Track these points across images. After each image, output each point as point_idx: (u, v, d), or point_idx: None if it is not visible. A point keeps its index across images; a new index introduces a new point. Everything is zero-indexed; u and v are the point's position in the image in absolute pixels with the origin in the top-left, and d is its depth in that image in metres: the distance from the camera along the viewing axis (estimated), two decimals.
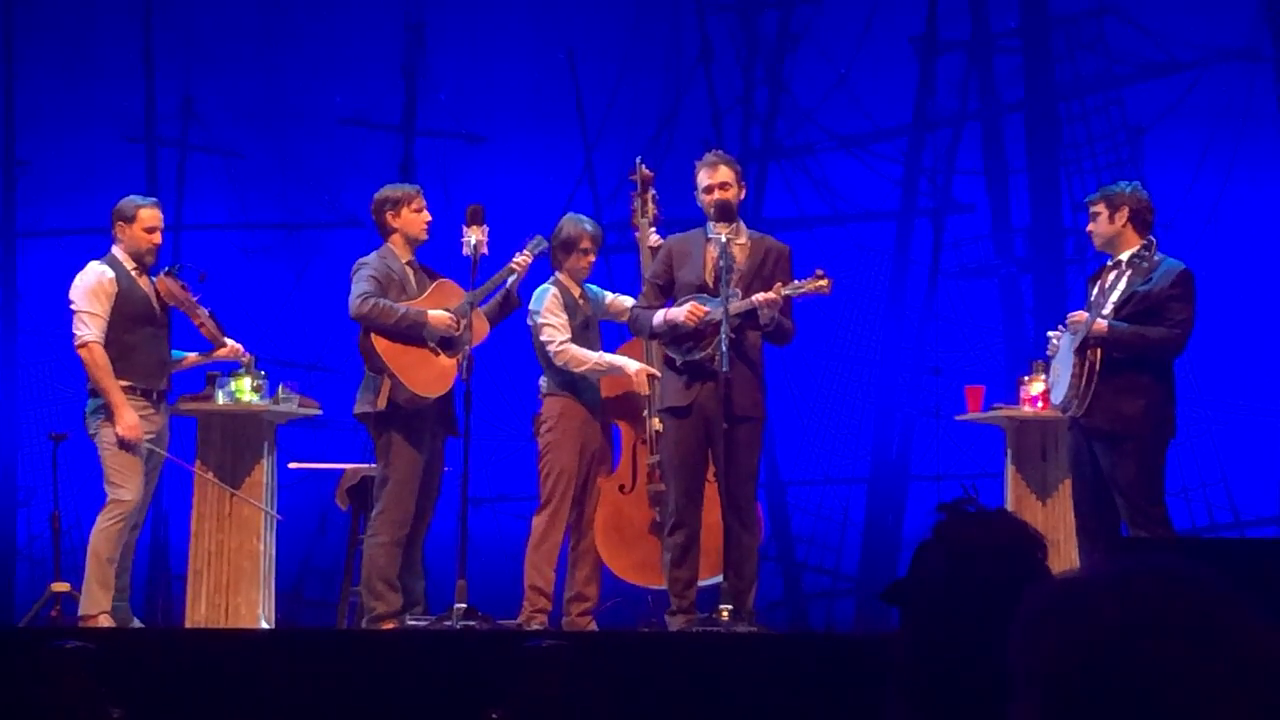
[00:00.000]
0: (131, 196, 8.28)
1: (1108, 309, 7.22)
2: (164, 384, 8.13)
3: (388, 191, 8.13)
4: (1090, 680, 1.60)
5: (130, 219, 8.10)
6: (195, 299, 8.20)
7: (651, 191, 8.36)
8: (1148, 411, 7.21)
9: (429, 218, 8.05)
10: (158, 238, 8.15)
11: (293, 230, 11.20)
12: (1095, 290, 7.39)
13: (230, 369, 8.39)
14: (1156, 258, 7.29)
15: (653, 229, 8.28)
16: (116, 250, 8.12)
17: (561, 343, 8.08)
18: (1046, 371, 7.84)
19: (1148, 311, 7.19)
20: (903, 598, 2.16)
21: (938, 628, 2.13)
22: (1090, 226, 7.42)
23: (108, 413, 7.89)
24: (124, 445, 7.86)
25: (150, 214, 8.13)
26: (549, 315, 8.10)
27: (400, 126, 11.32)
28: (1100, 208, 7.36)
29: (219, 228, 11.15)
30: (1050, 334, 7.50)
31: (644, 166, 8.39)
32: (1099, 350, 7.17)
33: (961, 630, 2.10)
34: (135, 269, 8.10)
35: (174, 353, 8.25)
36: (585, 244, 8.18)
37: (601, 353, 8.12)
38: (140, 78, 11.21)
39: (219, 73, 11.16)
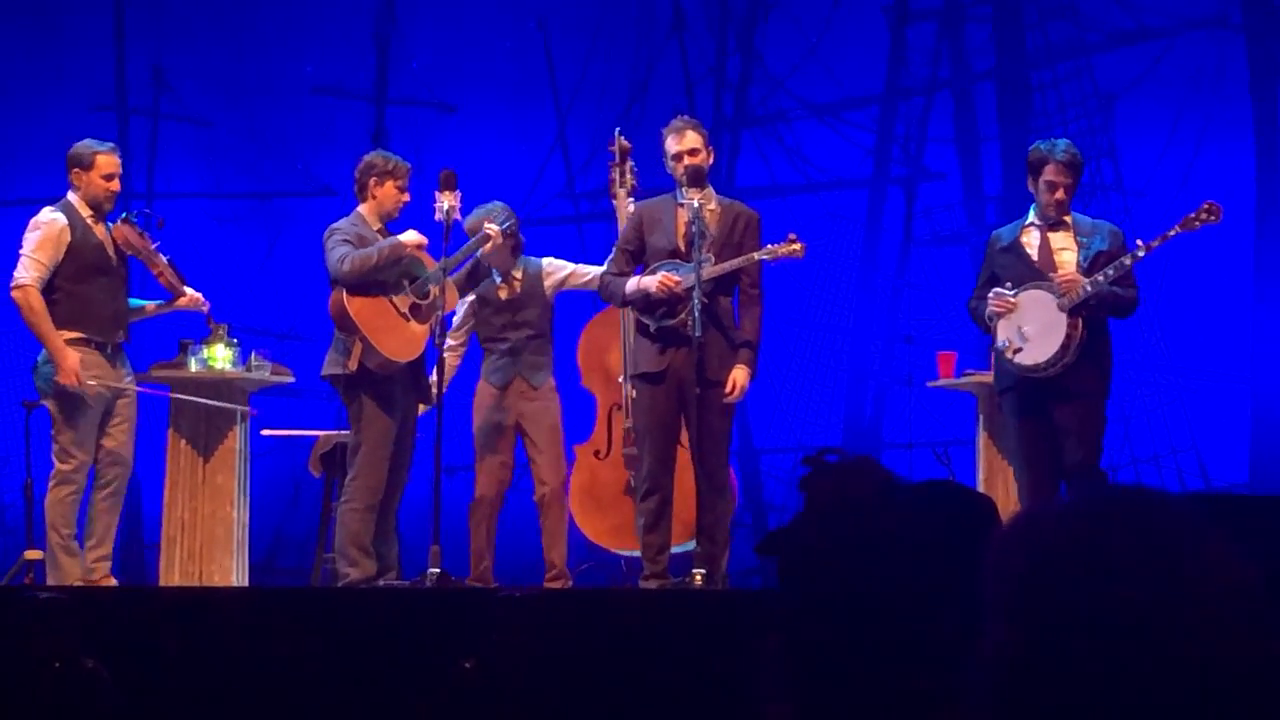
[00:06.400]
0: (88, 140, 7.94)
1: (1074, 270, 7.23)
2: (120, 335, 7.85)
3: (380, 158, 8.02)
4: (1061, 606, 1.61)
5: (88, 165, 7.78)
6: (154, 246, 7.92)
7: (630, 162, 8.36)
8: (1112, 370, 7.34)
9: (408, 199, 7.95)
10: (116, 185, 7.82)
11: (265, 199, 11.17)
12: (1036, 252, 7.32)
13: (201, 333, 8.26)
14: (1084, 218, 7.44)
15: (630, 199, 8.27)
16: (72, 196, 7.80)
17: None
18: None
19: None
20: (776, 549, 2.16)
21: (809, 581, 2.13)
22: (1060, 196, 7.34)
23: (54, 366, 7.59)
24: (67, 391, 7.59)
25: (108, 160, 7.81)
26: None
27: (372, 95, 11.29)
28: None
29: (191, 196, 11.12)
30: (1001, 291, 7.28)
31: (622, 138, 8.40)
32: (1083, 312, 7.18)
33: (830, 581, 2.10)
34: (91, 216, 7.79)
35: (132, 302, 8.01)
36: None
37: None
38: (110, 46, 11.16)
39: (190, 41, 11.12)
